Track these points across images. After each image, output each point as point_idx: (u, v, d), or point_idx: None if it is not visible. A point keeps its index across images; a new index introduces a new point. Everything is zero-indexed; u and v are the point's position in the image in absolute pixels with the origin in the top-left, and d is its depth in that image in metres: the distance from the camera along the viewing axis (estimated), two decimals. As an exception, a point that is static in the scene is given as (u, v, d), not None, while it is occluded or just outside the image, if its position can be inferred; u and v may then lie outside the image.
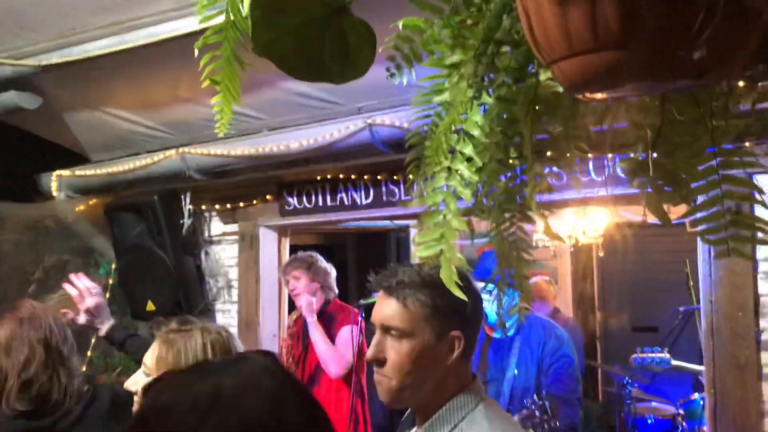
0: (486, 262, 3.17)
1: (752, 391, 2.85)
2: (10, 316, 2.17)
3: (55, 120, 4.14)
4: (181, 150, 3.83)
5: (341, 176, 3.81)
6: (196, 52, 1.06)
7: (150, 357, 1.79)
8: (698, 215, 1.46)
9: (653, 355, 4.30)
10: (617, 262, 6.72)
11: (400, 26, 1.25)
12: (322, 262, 3.81)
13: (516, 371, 3.00)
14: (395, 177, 3.60)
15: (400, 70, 1.27)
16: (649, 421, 5.61)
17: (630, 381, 4.50)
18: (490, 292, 3.07)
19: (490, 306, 3.05)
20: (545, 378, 2.97)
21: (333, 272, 3.83)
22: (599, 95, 0.78)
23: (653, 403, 5.69)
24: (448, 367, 1.44)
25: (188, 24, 3.11)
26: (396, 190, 3.69)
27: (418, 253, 1.18)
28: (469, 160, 1.04)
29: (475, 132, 1.02)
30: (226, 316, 4.38)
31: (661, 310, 5.44)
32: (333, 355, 3.44)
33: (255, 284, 4.21)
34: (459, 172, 1.05)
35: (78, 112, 4.11)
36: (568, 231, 5.06)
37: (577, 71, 0.73)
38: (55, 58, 3.45)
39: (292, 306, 4.10)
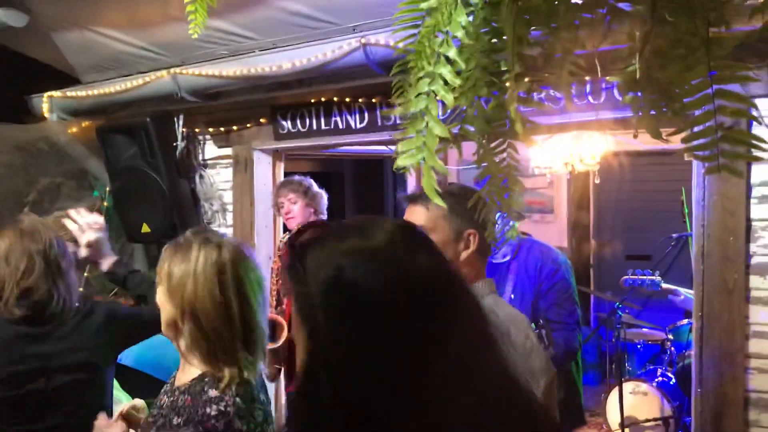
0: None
1: (738, 314, 2.88)
2: (12, 228, 2.22)
3: (44, 39, 4.06)
4: (172, 71, 3.76)
5: (335, 99, 3.75)
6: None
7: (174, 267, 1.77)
8: (691, 131, 1.45)
9: (644, 277, 4.35)
10: (613, 191, 6.73)
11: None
12: (317, 187, 3.82)
13: (512, 295, 3.02)
14: (390, 100, 3.55)
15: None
16: (639, 347, 5.73)
17: (621, 306, 4.56)
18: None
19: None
20: (543, 302, 2.99)
21: (325, 197, 3.85)
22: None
23: (643, 329, 5.80)
24: (465, 261, 1.72)
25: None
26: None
27: (399, 162, 1.18)
28: (452, 63, 1.01)
29: (459, 33, 1.00)
30: (222, 239, 4.39)
31: (656, 238, 5.48)
32: None
33: (250, 207, 4.21)
34: (441, 75, 1.03)
35: (66, 31, 4.02)
36: (565, 157, 5.03)
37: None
38: (40, -28, 3.35)
39: (284, 228, 4.12)
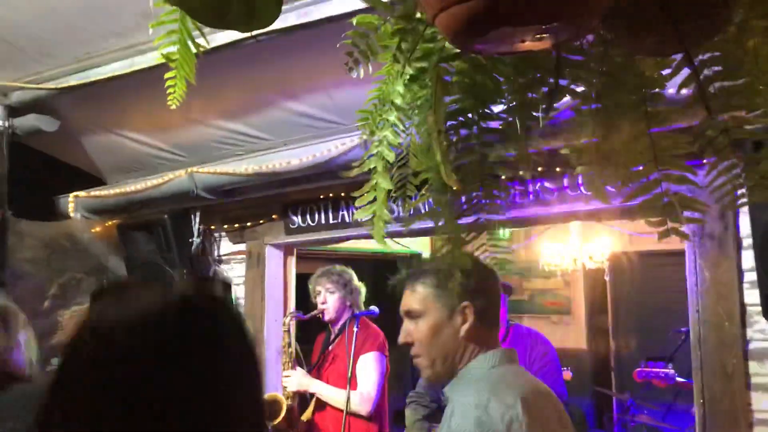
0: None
1: (740, 401, 2.86)
2: None
3: (73, 143, 4.35)
4: (189, 170, 3.98)
5: (342, 194, 3.93)
6: (151, 31, 1.18)
7: None
8: (639, 200, 1.56)
9: (657, 369, 4.30)
10: (631, 291, 6.71)
11: (355, 23, 1.38)
12: (357, 281, 3.88)
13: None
14: (393, 194, 3.70)
15: (357, 65, 1.39)
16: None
17: (633, 401, 4.49)
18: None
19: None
20: (535, 382, 3.03)
21: (363, 292, 3.89)
22: (480, 47, 0.88)
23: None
24: (468, 335, 1.66)
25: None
26: (394, 206, 3.79)
27: (356, 215, 1.32)
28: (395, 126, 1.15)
29: (398, 100, 1.14)
30: (233, 333, 4.48)
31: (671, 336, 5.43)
32: (355, 400, 3.46)
33: (261, 301, 4.31)
34: (385, 137, 1.16)
35: (94, 134, 4.31)
36: (573, 255, 5.10)
37: (450, 23, 0.83)
38: (71, 80, 3.65)
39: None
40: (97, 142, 4.37)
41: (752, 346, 2.88)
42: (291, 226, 4.21)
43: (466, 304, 1.67)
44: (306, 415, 3.75)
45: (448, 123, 1.49)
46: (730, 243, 2.93)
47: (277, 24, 3.11)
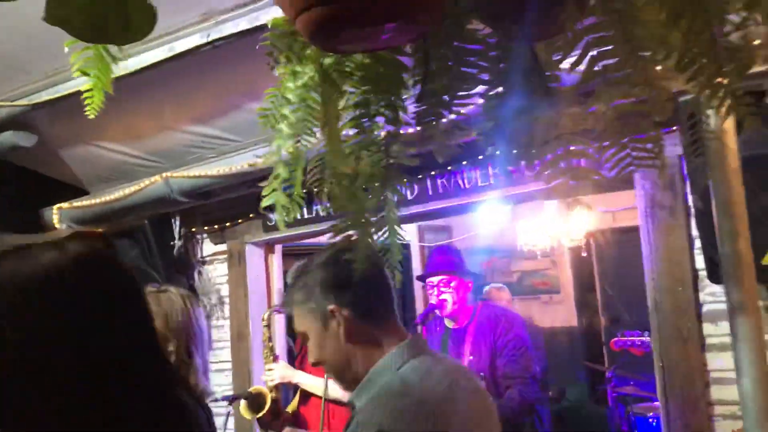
0: (438, 257, 3.37)
1: (696, 362, 2.97)
2: None
3: (53, 156, 4.47)
4: (164, 175, 4.11)
5: (315, 189, 4.04)
6: (66, 48, 1.30)
7: None
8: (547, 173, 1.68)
9: (633, 338, 4.41)
10: (612, 267, 6.83)
11: (269, 25, 1.50)
12: None
13: (471, 357, 3.17)
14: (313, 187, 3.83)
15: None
16: (652, 421, 5.66)
17: (613, 373, 4.60)
18: (434, 286, 3.28)
19: (449, 297, 3.25)
20: (500, 359, 3.14)
21: None
22: (341, 47, 0.99)
23: (657, 403, 5.75)
24: (351, 339, 1.52)
25: (159, 54, 3.42)
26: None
27: (262, 204, 1.44)
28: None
29: (289, 95, 1.26)
30: (220, 331, 4.61)
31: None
32: (336, 387, 3.56)
33: (244, 298, 4.44)
34: (282, 129, 1.28)
35: (72, 147, 4.43)
36: (552, 234, 5.21)
37: (303, 28, 0.95)
38: (43, 96, 3.77)
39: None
40: (75, 154, 4.50)
41: (705, 308, 3.00)
42: (268, 223, 4.34)
43: (333, 308, 1.54)
44: (291, 407, 3.87)
45: (351, 115, 1.63)
46: (680, 211, 3.04)
47: (230, 29, 3.21)
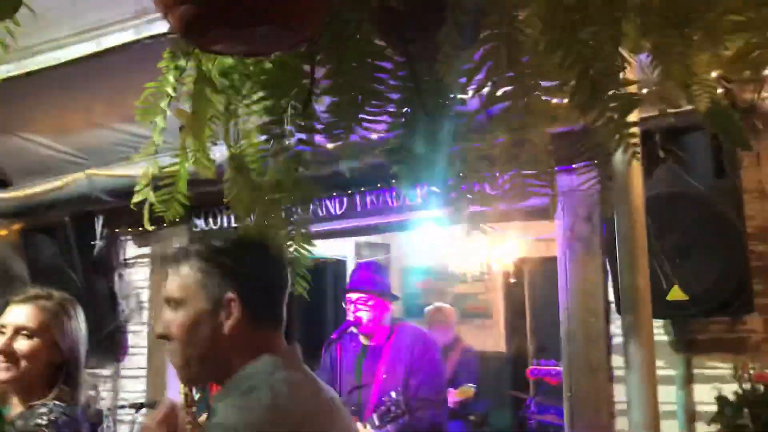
0: (360, 273, 3.35)
1: (603, 393, 3.01)
2: None
3: (-27, 144, 4.31)
4: (88, 172, 4.00)
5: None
6: None
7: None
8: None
9: (549, 367, 4.46)
10: (544, 294, 6.91)
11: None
12: None
13: (385, 375, 3.16)
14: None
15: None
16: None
17: (532, 400, 4.64)
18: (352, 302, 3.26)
19: (366, 315, 3.23)
20: (414, 380, 3.14)
21: None
22: (214, 47, 0.97)
23: None
24: (234, 335, 1.38)
25: (85, 48, 3.34)
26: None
27: (132, 200, 1.43)
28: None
29: (168, 89, 1.26)
30: (138, 336, 4.49)
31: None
32: None
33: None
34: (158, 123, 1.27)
35: (-5, 137, 4.29)
36: (481, 258, 5.25)
37: (173, 23, 0.92)
38: (-39, 82, 3.63)
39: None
40: (0, 144, 4.35)
41: (615, 341, 3.04)
42: (194, 229, 4.25)
43: (232, 297, 1.40)
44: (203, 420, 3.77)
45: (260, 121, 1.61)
46: (596, 243, 3.09)
47: (161, 27, 3.16)
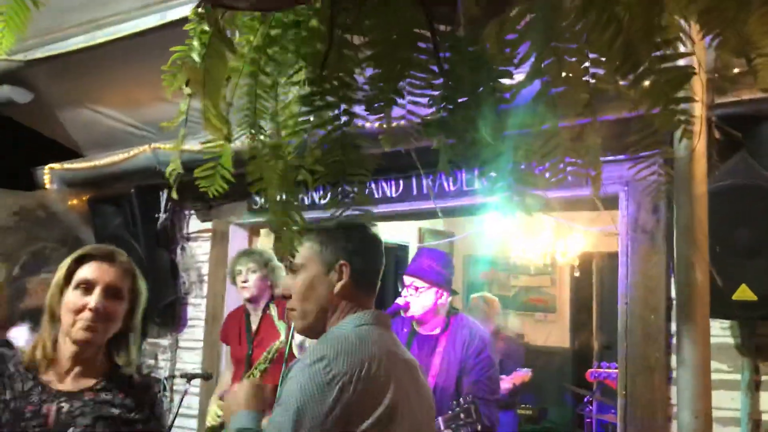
0: (420, 259, 3.27)
1: (660, 394, 2.86)
2: None
3: (48, 115, 4.46)
4: (153, 145, 4.07)
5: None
6: None
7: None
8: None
9: (609, 370, 4.29)
10: (614, 291, 6.67)
11: None
12: (277, 261, 3.88)
13: (439, 369, 3.06)
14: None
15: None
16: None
17: (588, 396, 4.49)
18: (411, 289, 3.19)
19: (418, 302, 3.15)
20: (467, 378, 3.03)
21: (284, 272, 3.90)
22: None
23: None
24: (341, 294, 1.72)
25: (150, 21, 3.38)
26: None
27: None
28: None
29: (194, 55, 1.21)
30: (197, 309, 4.57)
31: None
32: None
33: (222, 280, 4.38)
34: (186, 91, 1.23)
35: (68, 108, 4.41)
36: (545, 250, 5.10)
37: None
38: (37, 53, 3.75)
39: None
40: (71, 116, 4.48)
41: (675, 340, 2.87)
42: (254, 206, 4.28)
43: (343, 263, 1.73)
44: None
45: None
46: (660, 237, 2.93)
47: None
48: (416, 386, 1.73)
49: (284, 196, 1.62)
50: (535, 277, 7.21)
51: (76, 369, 1.82)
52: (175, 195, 1.72)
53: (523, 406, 5.99)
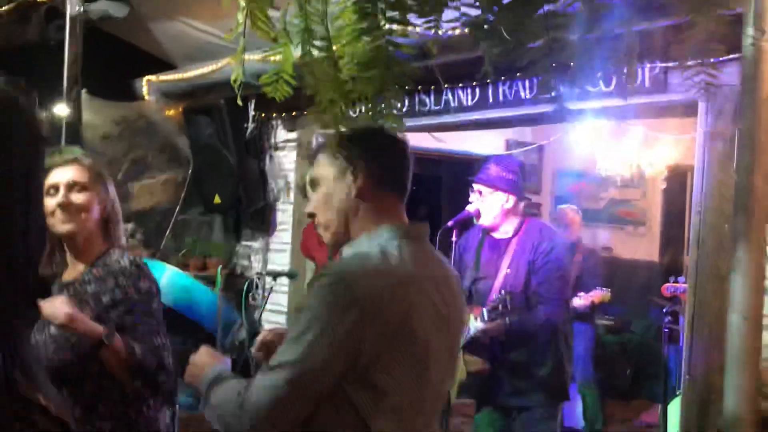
0: (487, 166, 3.31)
1: (729, 303, 2.85)
2: None
3: (144, 29, 4.67)
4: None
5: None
6: None
7: None
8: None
9: (685, 284, 4.23)
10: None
11: None
12: None
13: (508, 269, 3.15)
14: (419, 87, 3.78)
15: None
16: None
17: (666, 309, 4.46)
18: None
19: (486, 208, 3.22)
20: (535, 277, 3.11)
21: None
22: None
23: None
24: (360, 197, 1.60)
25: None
26: (427, 99, 3.89)
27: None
28: None
29: None
30: (285, 214, 4.82)
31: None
32: None
33: (309, 188, 4.58)
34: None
35: (162, 21, 4.61)
36: (631, 160, 4.99)
37: None
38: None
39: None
40: (165, 29, 4.68)
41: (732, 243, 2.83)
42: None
43: (358, 162, 1.61)
44: None
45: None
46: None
47: None
48: (444, 303, 1.62)
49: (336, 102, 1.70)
50: (626, 190, 7.06)
51: (73, 260, 2.09)
52: (239, 102, 1.82)
53: (606, 317, 6.02)
